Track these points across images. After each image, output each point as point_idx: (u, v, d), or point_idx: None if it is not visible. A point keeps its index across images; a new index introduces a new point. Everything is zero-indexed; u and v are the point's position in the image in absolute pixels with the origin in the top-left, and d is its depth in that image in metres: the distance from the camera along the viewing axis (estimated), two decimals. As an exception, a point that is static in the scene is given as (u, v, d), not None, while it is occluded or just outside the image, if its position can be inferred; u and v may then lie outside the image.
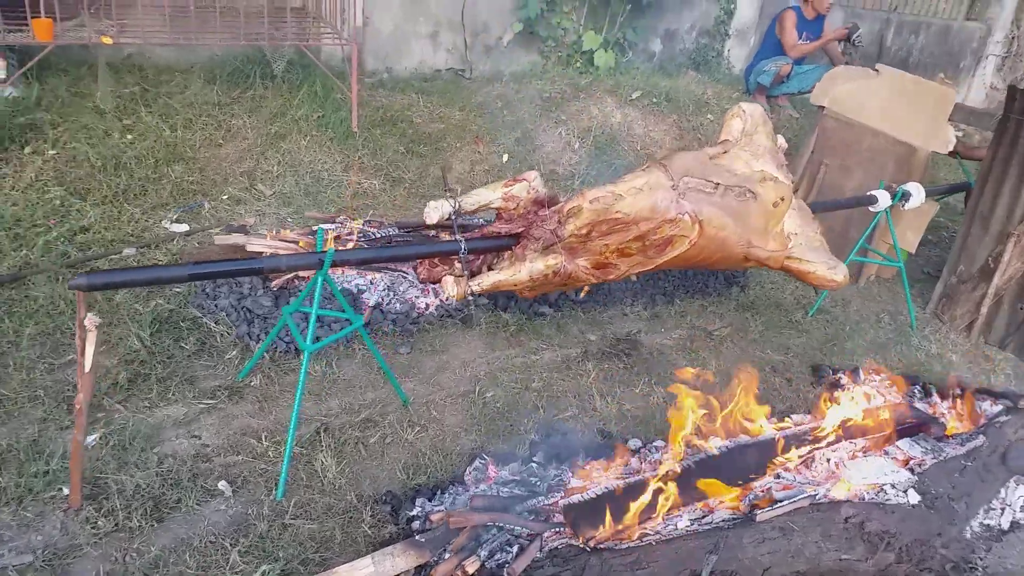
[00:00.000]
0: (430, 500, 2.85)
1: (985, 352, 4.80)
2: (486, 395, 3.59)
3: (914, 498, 3.01)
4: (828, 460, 3.21)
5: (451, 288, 2.98)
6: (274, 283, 3.96)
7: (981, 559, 3.25)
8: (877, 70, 5.39)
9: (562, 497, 2.72)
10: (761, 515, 2.69)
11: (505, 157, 6.05)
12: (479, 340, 4.09)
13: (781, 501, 2.80)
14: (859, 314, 5.11)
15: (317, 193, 5.26)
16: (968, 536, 3.35)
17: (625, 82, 7.00)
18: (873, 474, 3.09)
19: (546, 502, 2.71)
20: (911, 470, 3.17)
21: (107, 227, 4.49)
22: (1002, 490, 3.55)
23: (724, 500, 2.82)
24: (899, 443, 3.32)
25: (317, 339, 3.45)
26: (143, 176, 4.91)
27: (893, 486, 3.07)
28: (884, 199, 4.69)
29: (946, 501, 3.08)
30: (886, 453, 3.27)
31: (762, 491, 2.91)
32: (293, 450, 3.05)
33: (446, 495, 2.88)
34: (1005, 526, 3.44)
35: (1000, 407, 3.82)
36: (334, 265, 2.86)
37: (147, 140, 5.08)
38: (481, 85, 6.84)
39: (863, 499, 2.99)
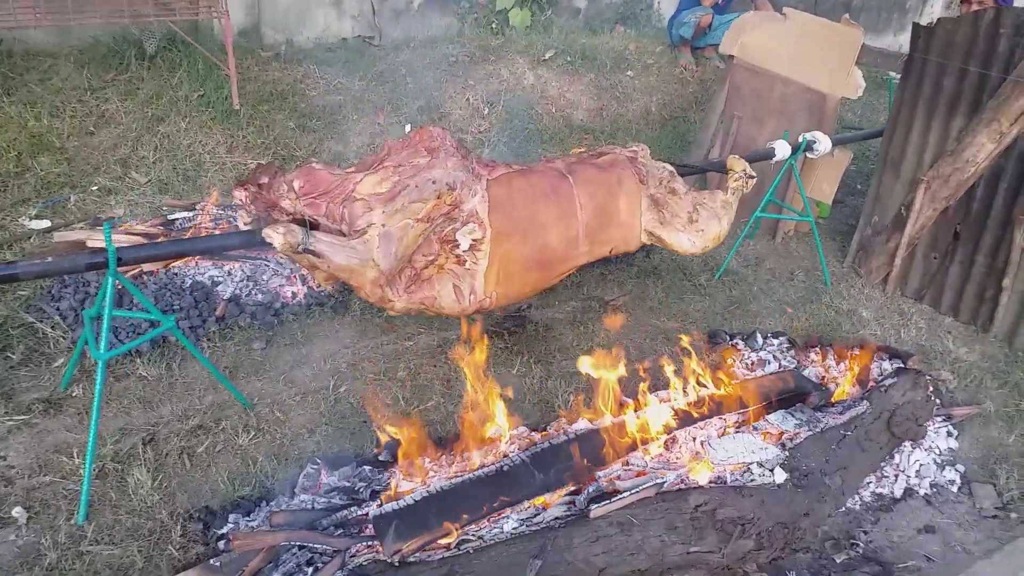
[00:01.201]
0: (247, 515, 2.62)
1: (900, 306, 4.58)
2: (340, 390, 3.35)
3: (780, 476, 2.79)
4: (694, 439, 2.99)
5: (277, 231, 2.69)
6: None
7: (866, 533, 3.06)
8: (785, 14, 5.09)
9: (377, 505, 2.49)
10: (596, 510, 2.47)
11: (407, 127, 5.74)
12: (350, 328, 3.84)
13: (624, 492, 2.57)
14: (772, 273, 4.87)
15: (197, 178, 4.97)
16: (858, 508, 3.16)
17: (540, 41, 6.67)
18: (739, 453, 2.87)
19: (359, 512, 2.48)
20: (783, 445, 2.95)
21: (-43, 228, 4.20)
22: (896, 456, 3.36)
23: (558, 495, 2.60)
24: (770, 416, 3.09)
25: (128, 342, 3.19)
26: (3, 171, 4.61)
27: (760, 464, 2.85)
28: (783, 150, 4.42)
29: (818, 476, 2.86)
30: (755, 428, 3.05)
31: (607, 481, 2.69)
32: (107, 466, 2.82)
33: (267, 508, 2.65)
34: (898, 494, 3.25)
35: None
36: (126, 264, 2.60)
37: (8, 131, 4.77)
38: (388, 53, 6.50)
39: (724, 481, 2.77)
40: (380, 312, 3.94)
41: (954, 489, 3.33)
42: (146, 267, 3.71)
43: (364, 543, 2.37)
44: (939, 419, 3.58)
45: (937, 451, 3.46)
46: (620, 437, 2.86)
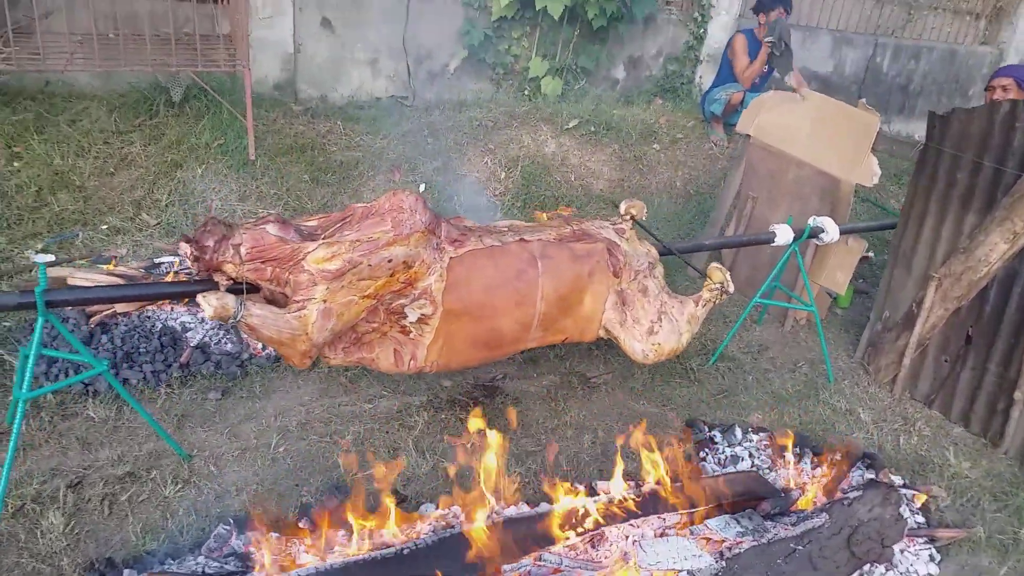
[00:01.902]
0: (143, 572, 2.55)
1: (906, 410, 4.27)
2: (279, 449, 3.28)
3: (710, 590, 2.57)
4: (627, 537, 2.79)
5: (210, 301, 2.67)
6: (92, 319, 3.74)
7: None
8: (803, 95, 4.96)
9: (260, 577, 2.39)
10: (488, 609, 2.31)
11: (423, 187, 5.78)
12: (312, 385, 3.80)
13: (527, 591, 2.41)
14: (773, 363, 4.63)
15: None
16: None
17: (566, 110, 6.67)
18: (670, 558, 2.66)
19: (242, 583, 2.38)
20: (720, 555, 2.72)
21: (-34, 257, 4.36)
22: (865, 578, 3.07)
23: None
24: (711, 521, 2.87)
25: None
26: (22, 204, 4.80)
27: (690, 573, 2.63)
28: (785, 235, 4.24)
29: (755, 594, 2.63)
30: (692, 533, 2.84)
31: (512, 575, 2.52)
32: (27, 506, 2.81)
33: (164, 565, 2.57)
34: (863, 620, 2.96)
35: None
36: (54, 306, 2.61)
37: (33, 168, 4.98)
38: (418, 114, 6.61)
39: (648, 589, 2.57)
40: (347, 371, 3.89)
41: (927, 621, 3.03)
42: (119, 308, 3.76)
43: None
44: (921, 540, 3.28)
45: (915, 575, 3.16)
46: (543, 528, 2.69)
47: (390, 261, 2.95)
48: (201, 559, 2.57)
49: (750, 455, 3.62)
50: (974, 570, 3.23)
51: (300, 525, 2.86)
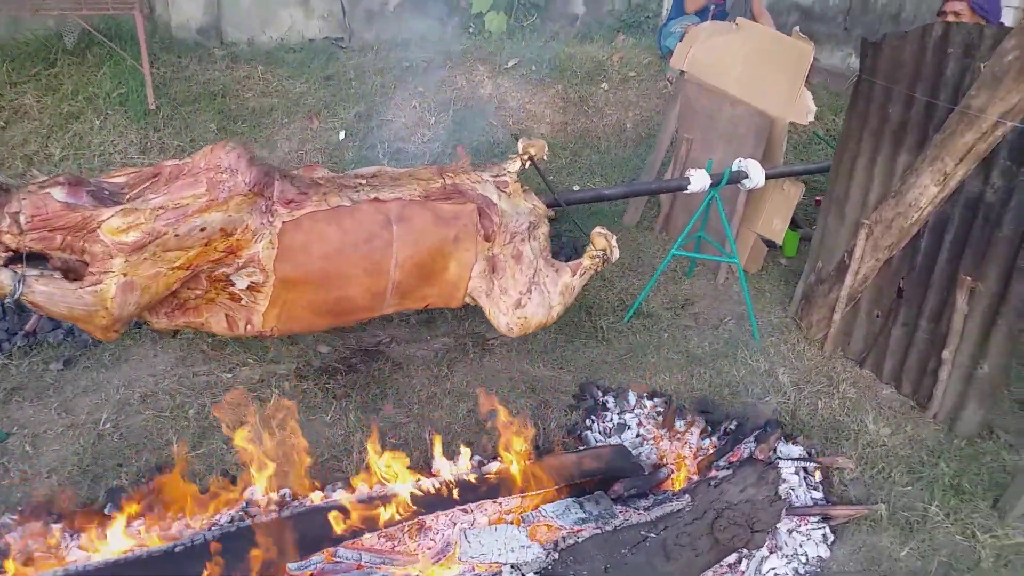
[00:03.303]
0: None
1: (833, 369, 3.90)
2: (106, 426, 3.02)
3: (532, 586, 2.28)
4: (455, 525, 2.50)
5: None
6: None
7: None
8: (736, 23, 4.49)
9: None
10: (250, 616, 2.03)
11: (342, 134, 5.42)
12: (171, 354, 3.53)
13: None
14: (696, 319, 4.27)
15: None
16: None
17: (509, 48, 6.22)
18: (495, 550, 2.37)
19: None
20: (555, 545, 2.42)
21: None
22: (743, 561, 2.77)
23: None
24: (547, 507, 2.56)
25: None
26: (-97, 161, 4.53)
27: (515, 567, 2.34)
28: (700, 180, 3.85)
29: (588, 589, 2.33)
30: (524, 521, 2.53)
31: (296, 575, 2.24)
32: None
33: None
34: (736, 612, 2.67)
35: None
36: None
37: (-83, 122, 4.70)
38: (352, 56, 6.19)
39: (463, 584, 2.29)
40: (210, 338, 3.61)
41: (810, 610, 2.72)
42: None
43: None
44: (814, 519, 2.95)
45: (803, 559, 2.85)
46: (352, 517, 2.40)
47: (203, 230, 2.63)
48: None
49: (639, 423, 3.30)
50: (871, 551, 2.90)
51: (106, 512, 2.60)
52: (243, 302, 2.88)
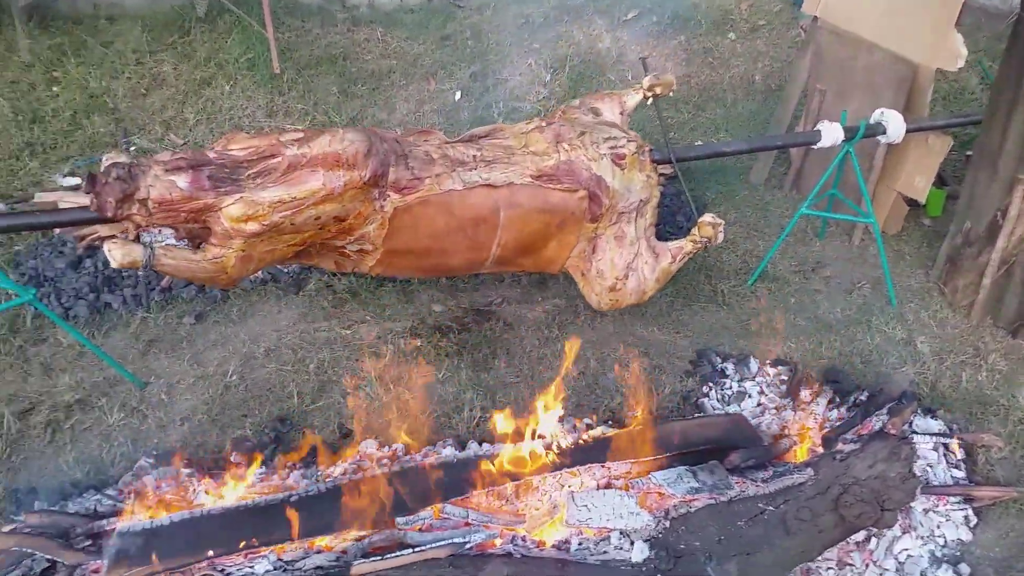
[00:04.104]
0: (59, 501, 2.51)
1: (981, 339, 3.58)
2: (232, 378, 3.16)
3: (639, 554, 2.21)
4: (562, 487, 2.46)
5: (115, 252, 2.56)
6: (80, 242, 3.73)
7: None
8: (878, -37, 4.11)
9: (129, 521, 2.26)
10: (358, 567, 2.07)
11: (458, 95, 5.40)
12: (294, 310, 3.64)
13: (411, 547, 2.14)
14: (827, 283, 4.02)
15: (122, 144, 4.96)
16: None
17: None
18: (604, 514, 2.31)
19: (114, 524, 2.27)
20: (666, 513, 2.34)
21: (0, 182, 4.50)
22: (872, 540, 2.60)
23: (342, 539, 2.21)
24: (657, 474, 2.46)
25: None
26: (57, 129, 4.87)
27: (624, 534, 2.28)
28: (832, 134, 3.58)
29: (696, 561, 2.24)
30: (633, 487, 2.45)
31: (407, 530, 2.26)
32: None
33: (76, 500, 2.52)
34: (863, 591, 2.51)
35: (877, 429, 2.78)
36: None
37: (68, 91, 5.03)
38: (468, 15, 6.15)
39: (568, 548, 2.25)
40: (332, 295, 3.70)
41: (947, 596, 2.53)
42: (102, 231, 3.72)
43: (102, 560, 2.17)
44: (954, 499, 2.73)
45: (940, 541, 2.64)
46: (460, 475, 2.40)
47: (318, 219, 2.69)
48: (103, 495, 2.49)
49: (760, 392, 3.14)
50: (1020, 537, 2.66)
51: (232, 460, 2.73)
52: (351, 258, 2.93)
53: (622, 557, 2.20)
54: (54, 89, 5.07)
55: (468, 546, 2.17)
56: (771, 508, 2.35)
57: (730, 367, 3.31)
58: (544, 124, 3.16)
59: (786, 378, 3.23)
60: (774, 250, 3.95)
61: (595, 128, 3.21)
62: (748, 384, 3.19)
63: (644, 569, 2.17)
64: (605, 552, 2.23)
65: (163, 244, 2.73)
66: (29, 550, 2.17)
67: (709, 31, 5.85)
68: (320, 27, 5.74)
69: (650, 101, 3.39)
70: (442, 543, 2.15)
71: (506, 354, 3.43)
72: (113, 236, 2.66)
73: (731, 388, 3.19)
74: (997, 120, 3.52)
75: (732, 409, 3.05)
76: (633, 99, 3.37)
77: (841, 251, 4.30)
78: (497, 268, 3.14)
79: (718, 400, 3.14)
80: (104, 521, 2.31)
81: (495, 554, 2.17)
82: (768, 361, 3.35)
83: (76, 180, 4.57)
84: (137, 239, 2.65)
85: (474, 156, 2.97)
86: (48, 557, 2.16)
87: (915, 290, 3.95)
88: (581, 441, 2.57)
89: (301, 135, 2.70)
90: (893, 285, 3.83)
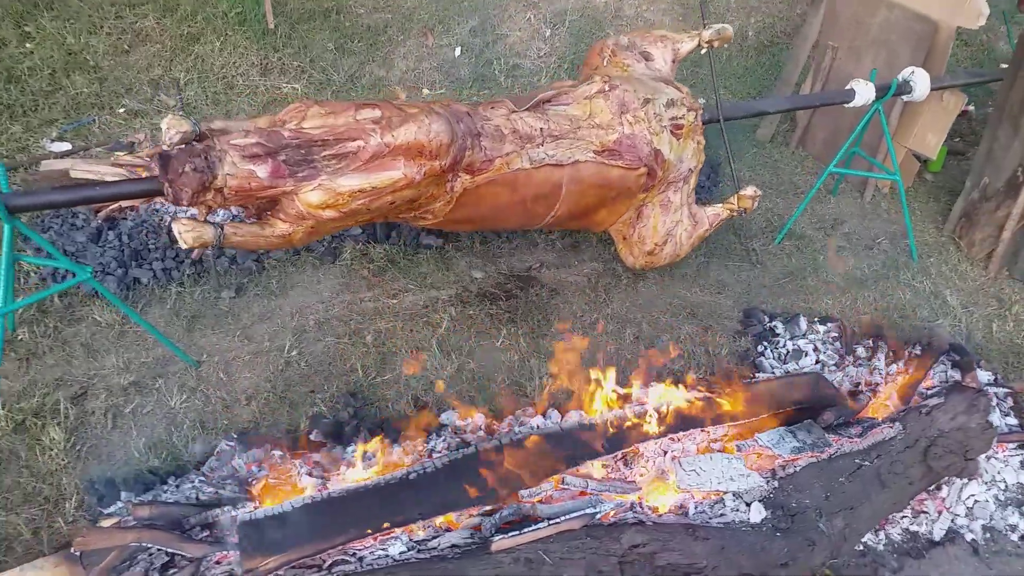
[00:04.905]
0: (146, 491, 2.41)
1: (1001, 290, 3.75)
2: (292, 353, 3.06)
3: (757, 515, 2.27)
4: (664, 454, 2.49)
5: (186, 235, 2.43)
6: (99, 213, 3.52)
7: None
8: (897, -81, 4.15)
9: (252, 508, 2.20)
10: (499, 542, 2.06)
11: (458, 51, 5.26)
12: (333, 279, 3.53)
13: (545, 519, 2.15)
14: (848, 239, 4.13)
15: (227, 102, 4.73)
16: (880, 547, 2.59)
17: (623, -49, 5.89)
18: (713, 478, 2.35)
19: (234, 513, 2.19)
20: (773, 473, 2.40)
21: (-21, 148, 4.17)
22: (944, 487, 2.73)
23: (468, 515, 2.20)
24: (762, 436, 2.53)
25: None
26: (36, 89, 4.53)
27: (736, 496, 2.33)
28: (866, 93, 3.64)
29: (810, 518, 2.31)
30: (739, 449, 2.50)
31: (531, 503, 2.26)
32: (27, 420, 2.69)
33: (168, 486, 2.42)
34: (937, 536, 2.65)
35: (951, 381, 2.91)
36: (19, 211, 2.36)
37: (44, 48, 4.68)
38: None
39: (686, 514, 2.29)
40: (370, 263, 3.61)
41: (1014, 537, 2.68)
42: (124, 203, 3.52)
43: (229, 550, 2.10)
44: (1011, 445, 2.88)
45: (1002, 486, 2.79)
46: (567, 445, 2.40)
47: (393, 203, 2.61)
48: (197, 483, 2.40)
49: (815, 349, 3.23)
50: (1072, 479, 2.83)
51: (311, 438, 2.66)
52: (407, 220, 2.89)
53: (740, 519, 2.26)
54: (27, 45, 4.71)
55: (598, 516, 2.18)
56: (867, 463, 2.44)
57: (779, 325, 3.39)
58: (607, 88, 3.11)
59: (836, 335, 3.32)
60: (801, 208, 4.03)
61: (655, 91, 3.18)
62: (801, 342, 3.26)
63: (764, 529, 2.23)
64: (722, 514, 2.28)
65: (230, 221, 2.60)
66: (148, 544, 2.08)
67: (704, -15, 5.82)
68: (308, -22, 5.47)
69: (704, 51, 3.39)
70: (575, 515, 2.16)
71: (558, 319, 3.41)
72: (179, 217, 2.52)
73: (785, 346, 3.26)
74: (1020, 80, 3.63)
75: (791, 367, 3.12)
76: (687, 47, 3.38)
77: (855, 208, 4.42)
78: (544, 227, 3.26)
79: (776, 359, 3.21)
80: (217, 510, 2.22)
81: (628, 522, 2.19)
82: (816, 318, 3.43)
83: (66, 145, 4.28)
84: (205, 221, 2.51)
85: (541, 129, 2.92)
86: (169, 550, 2.07)
87: (930, 244, 4.09)
88: (680, 407, 2.60)
89: (379, 113, 2.58)
90: (912, 241, 3.95)
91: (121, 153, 4.05)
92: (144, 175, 3.68)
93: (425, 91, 5.05)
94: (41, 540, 2.34)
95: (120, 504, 2.39)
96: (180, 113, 2.46)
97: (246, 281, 3.44)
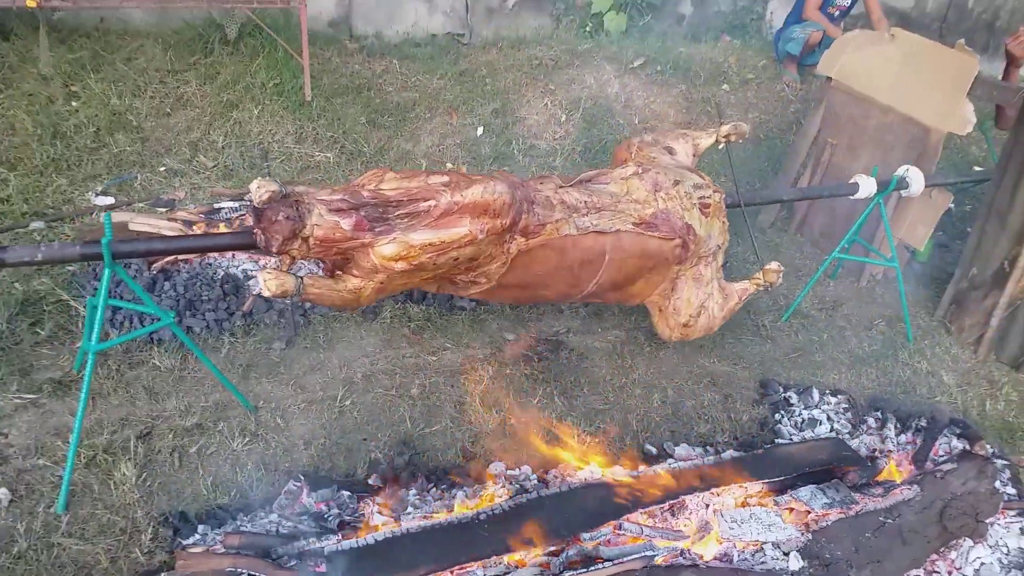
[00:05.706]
0: (219, 527, 2.53)
1: (991, 373, 4.06)
2: (345, 402, 3.23)
3: (796, 563, 2.46)
4: (707, 506, 2.69)
5: (270, 283, 2.61)
6: (153, 265, 3.70)
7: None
8: (892, 34, 4.62)
9: (338, 540, 2.34)
10: (567, 580, 2.23)
11: (480, 130, 5.60)
12: (375, 336, 3.73)
13: (605, 561, 2.32)
14: (848, 320, 4.43)
15: (264, 166, 4.98)
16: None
17: (631, 48, 6.37)
18: (753, 529, 2.55)
19: (319, 544, 2.33)
20: (806, 526, 2.61)
21: (28, 199, 4.35)
22: (953, 551, 2.94)
23: (534, 554, 2.37)
24: (796, 491, 2.74)
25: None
26: (81, 145, 4.75)
27: (775, 546, 2.52)
28: (867, 187, 4.00)
29: (843, 568, 2.51)
30: (776, 503, 2.72)
31: (592, 545, 2.44)
32: (98, 456, 2.80)
33: (231, 524, 2.55)
34: (949, 595, 2.84)
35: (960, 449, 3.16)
36: (120, 257, 2.55)
37: (91, 107, 4.91)
38: (474, 51, 6.37)
39: (731, 560, 2.47)
40: (409, 322, 3.81)
41: (1018, 598, 2.89)
42: (180, 256, 3.71)
43: (314, 581, 2.23)
44: (1013, 512, 3.12)
45: (1004, 550, 3.01)
46: (621, 494, 2.60)
47: (456, 259, 2.83)
48: (274, 517, 2.53)
49: (828, 418, 3.47)
50: (1067, 546, 3.07)
51: (370, 483, 2.81)
52: (459, 287, 3.08)
53: (780, 567, 2.45)
54: (73, 104, 4.95)
55: (656, 559, 2.36)
56: (890, 520, 2.66)
57: (794, 396, 3.63)
58: (640, 171, 3.41)
59: (847, 406, 3.58)
60: (807, 290, 4.34)
61: (683, 176, 3.49)
62: (815, 412, 3.51)
63: (802, 574, 2.43)
64: (763, 562, 2.47)
65: (309, 275, 2.80)
66: (242, 570, 2.20)
67: (707, 82, 6.30)
68: (338, 56, 5.83)
69: (722, 146, 3.72)
70: (635, 556, 2.33)
71: (588, 382, 3.63)
72: (266, 267, 2.72)
73: (801, 415, 3.50)
74: (1007, 180, 4.03)
75: (807, 435, 3.36)
76: (706, 142, 3.69)
77: (851, 291, 4.75)
78: (583, 300, 3.40)
79: (793, 427, 3.44)
80: (303, 541, 2.35)
81: (683, 564, 2.37)
82: (828, 391, 3.69)
83: (110, 199, 4.48)
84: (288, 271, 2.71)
85: (585, 202, 3.20)
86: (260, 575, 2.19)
87: (923, 328, 4.41)
88: (715, 465, 2.80)
89: (448, 179, 2.84)
90: (908, 324, 4.27)
91: (162, 210, 4.25)
92: (199, 230, 3.89)
93: (449, 165, 5.35)
94: (120, 569, 2.44)
95: (198, 536, 2.50)
96: (268, 176, 2.68)
97: (295, 335, 3.62)
